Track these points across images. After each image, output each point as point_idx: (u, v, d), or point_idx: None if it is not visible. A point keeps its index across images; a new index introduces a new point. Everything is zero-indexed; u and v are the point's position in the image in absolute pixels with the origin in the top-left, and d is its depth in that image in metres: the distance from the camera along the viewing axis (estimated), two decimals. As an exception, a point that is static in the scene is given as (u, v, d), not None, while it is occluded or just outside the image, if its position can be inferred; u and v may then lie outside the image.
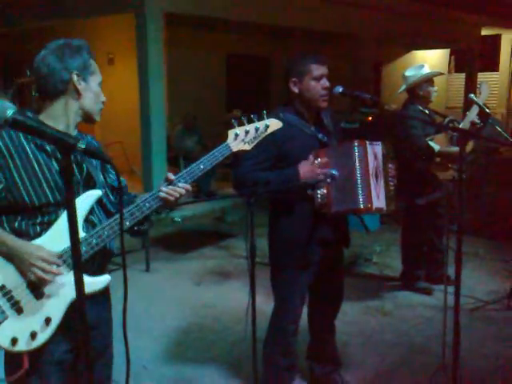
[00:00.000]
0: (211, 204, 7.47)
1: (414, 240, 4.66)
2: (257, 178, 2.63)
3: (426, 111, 4.41)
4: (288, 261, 2.80)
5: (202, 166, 1.99)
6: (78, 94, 1.86)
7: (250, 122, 2.08)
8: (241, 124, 2.07)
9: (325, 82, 2.70)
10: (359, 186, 2.55)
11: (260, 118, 2.11)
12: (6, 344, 1.77)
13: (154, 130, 7.61)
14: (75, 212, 1.40)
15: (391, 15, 11.04)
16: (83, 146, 1.35)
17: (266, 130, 2.10)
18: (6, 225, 1.82)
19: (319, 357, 3.20)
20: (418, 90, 4.40)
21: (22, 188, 1.78)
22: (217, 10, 8.20)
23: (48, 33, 9.39)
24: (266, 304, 3.17)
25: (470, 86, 13.08)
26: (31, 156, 1.79)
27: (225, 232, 6.63)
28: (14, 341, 1.77)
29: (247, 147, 2.07)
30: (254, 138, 2.08)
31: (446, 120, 4.38)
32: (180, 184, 1.95)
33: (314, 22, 9.84)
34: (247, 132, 2.06)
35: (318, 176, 2.57)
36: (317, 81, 2.69)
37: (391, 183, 2.72)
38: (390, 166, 2.73)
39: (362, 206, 2.55)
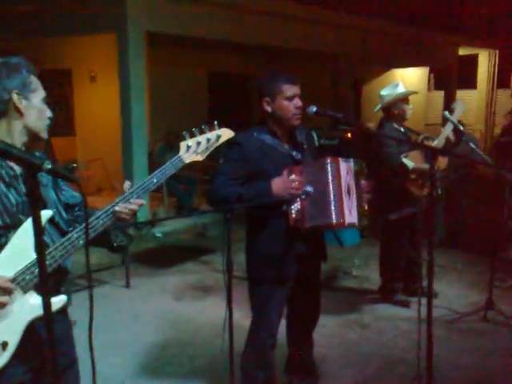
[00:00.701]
0: (192, 219, 7.49)
1: (391, 254, 4.73)
2: (229, 193, 2.68)
3: (401, 129, 4.52)
4: (264, 275, 2.83)
5: (155, 180, 2.00)
6: (19, 113, 1.83)
7: (202, 133, 2.10)
8: (192, 136, 2.09)
9: (297, 102, 2.75)
10: (332, 201, 2.61)
11: (211, 129, 2.12)
12: None
13: (135, 146, 7.64)
14: (42, 232, 1.41)
15: (371, 35, 11.27)
16: (49, 167, 1.37)
17: (217, 140, 2.12)
18: None
19: (297, 370, 3.22)
20: (394, 108, 4.50)
21: None
22: (198, 30, 8.31)
23: (29, 50, 9.42)
24: (245, 318, 3.19)
25: (449, 103, 13.34)
26: None
27: (206, 247, 6.65)
28: None
29: (200, 158, 2.09)
30: (206, 148, 2.10)
31: (421, 137, 4.47)
32: (132, 200, 1.93)
33: (294, 41, 10.00)
34: (199, 143, 2.08)
35: (291, 192, 2.62)
36: (289, 100, 2.74)
37: (364, 199, 2.79)
38: (362, 182, 2.79)
39: (334, 222, 2.61)
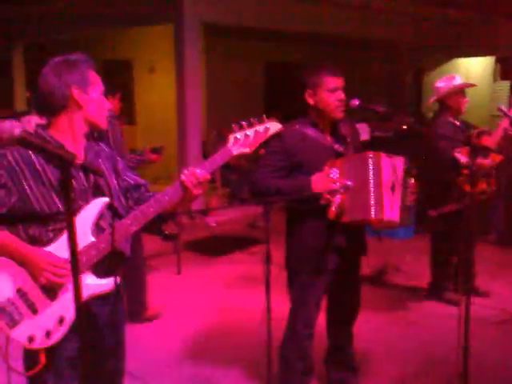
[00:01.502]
0: (244, 210, 7.58)
1: (441, 250, 4.63)
2: (268, 186, 2.72)
3: (457, 123, 4.38)
4: (303, 267, 2.87)
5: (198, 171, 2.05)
6: (79, 106, 1.97)
7: (251, 125, 2.14)
8: (241, 128, 2.13)
9: (339, 94, 2.76)
10: (372, 197, 2.60)
11: (260, 122, 2.15)
12: (24, 341, 1.91)
13: (189, 136, 7.80)
14: (73, 224, 1.51)
15: (433, 23, 10.94)
16: (79, 162, 1.48)
17: (266, 132, 2.15)
18: (22, 232, 1.95)
19: (336, 362, 3.25)
20: (449, 100, 4.38)
21: (32, 198, 1.91)
22: (254, 20, 8.34)
23: (92, 42, 9.76)
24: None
25: (515, 94, 12.81)
26: (39, 168, 1.92)
27: (256, 238, 6.72)
28: (31, 339, 1.91)
29: (248, 151, 2.13)
30: (255, 141, 2.14)
31: (476, 132, 4.32)
32: (198, 170, 2.01)
33: (354, 30, 9.86)
34: (247, 136, 2.12)
35: (330, 188, 2.62)
36: (331, 93, 2.75)
37: (409, 197, 2.75)
38: (409, 180, 2.76)
39: (373, 217, 2.60)
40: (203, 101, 8.41)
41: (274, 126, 2.19)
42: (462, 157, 4.15)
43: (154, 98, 10.37)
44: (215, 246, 6.53)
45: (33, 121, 5.16)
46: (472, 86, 4.71)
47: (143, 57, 10.43)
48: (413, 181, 2.79)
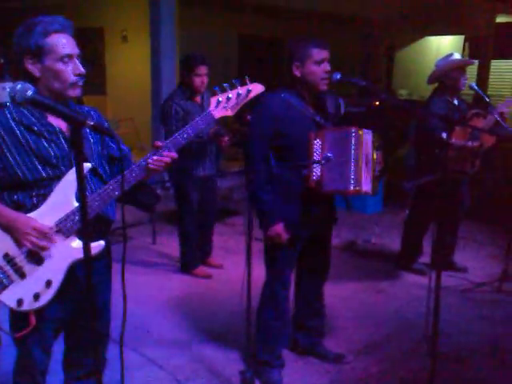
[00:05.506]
0: (219, 182, 7.63)
1: (415, 222, 4.77)
2: (257, 191, 2.86)
3: (455, 101, 4.37)
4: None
5: (185, 135, 2.09)
6: None
7: (233, 88, 2.13)
8: (223, 91, 2.13)
9: (326, 66, 2.82)
10: (352, 169, 2.73)
11: (242, 84, 2.16)
12: (13, 305, 1.97)
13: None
14: (85, 184, 1.58)
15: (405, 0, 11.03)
16: (91, 123, 1.54)
17: (247, 95, 2.16)
18: (6, 198, 2.00)
19: (303, 327, 3.37)
20: (445, 78, 4.34)
21: (15, 166, 1.95)
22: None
23: (65, 9, 9.54)
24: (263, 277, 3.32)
25: (483, 73, 13.07)
26: (20, 137, 1.95)
27: (230, 209, 6.81)
28: (20, 302, 1.96)
29: (230, 113, 2.14)
30: (236, 103, 2.14)
31: (471, 112, 4.27)
32: (165, 153, 2.04)
33: (328, 5, 9.88)
34: (229, 98, 2.12)
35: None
36: (318, 65, 2.81)
37: (376, 169, 2.89)
38: (376, 153, 2.89)
39: (352, 188, 2.73)
40: (177, 72, 8.36)
41: (256, 88, 2.19)
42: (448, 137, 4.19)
43: (126, 68, 10.23)
44: (189, 217, 6.57)
45: (7, 86, 5.11)
46: (471, 63, 4.63)
47: (115, 25, 10.25)
48: (378, 153, 2.92)
